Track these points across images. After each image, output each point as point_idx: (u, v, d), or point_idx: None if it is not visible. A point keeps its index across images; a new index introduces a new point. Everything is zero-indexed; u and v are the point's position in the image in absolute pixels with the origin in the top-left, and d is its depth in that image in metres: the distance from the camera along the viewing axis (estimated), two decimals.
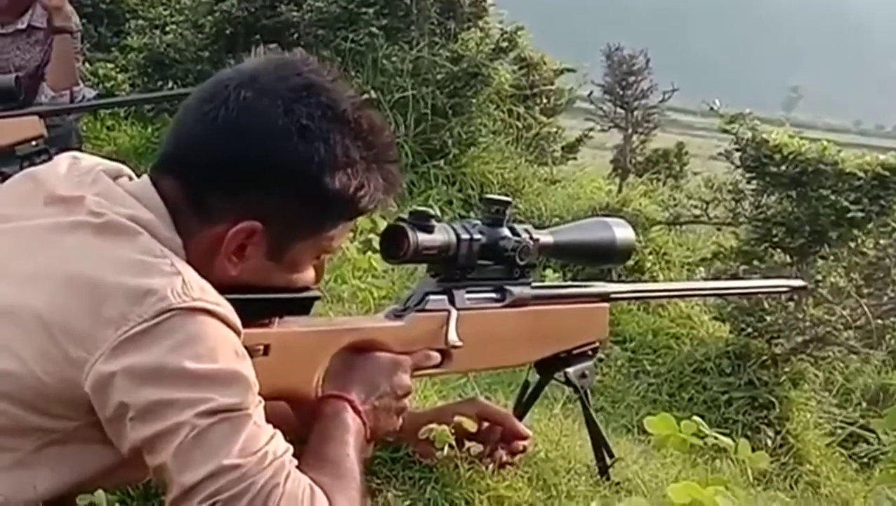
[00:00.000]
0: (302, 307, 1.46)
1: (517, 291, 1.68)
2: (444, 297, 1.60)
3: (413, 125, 5.98)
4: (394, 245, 1.53)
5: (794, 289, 2.52)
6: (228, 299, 1.31)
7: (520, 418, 1.93)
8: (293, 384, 1.44)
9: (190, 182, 1.34)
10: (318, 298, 1.47)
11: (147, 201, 1.32)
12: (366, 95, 5.85)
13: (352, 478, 1.36)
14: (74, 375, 1.21)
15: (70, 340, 1.20)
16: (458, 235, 1.58)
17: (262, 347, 1.38)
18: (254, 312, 1.37)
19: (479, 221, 1.65)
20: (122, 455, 1.26)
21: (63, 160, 1.39)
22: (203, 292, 1.25)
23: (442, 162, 6.03)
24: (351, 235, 3.71)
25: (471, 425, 1.67)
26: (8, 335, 1.23)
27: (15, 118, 3.24)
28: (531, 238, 1.67)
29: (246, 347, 1.31)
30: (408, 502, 1.59)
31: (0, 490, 1.23)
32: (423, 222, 1.53)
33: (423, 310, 1.58)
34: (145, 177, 1.37)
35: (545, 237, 1.72)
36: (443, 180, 5.99)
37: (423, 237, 1.52)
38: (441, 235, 1.56)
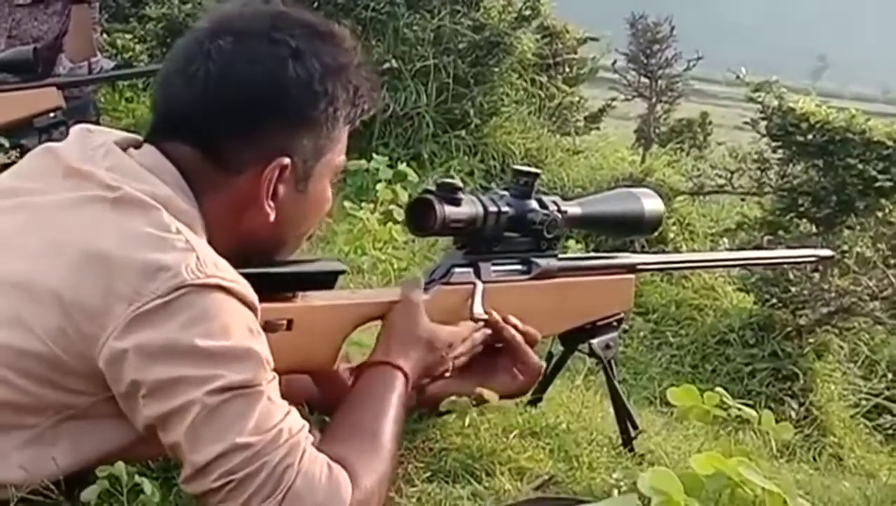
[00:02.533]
0: (326, 281, 1.45)
1: (544, 263, 1.66)
2: (470, 269, 1.59)
3: (434, 95, 5.95)
4: (421, 218, 1.51)
5: (821, 259, 2.46)
6: (252, 274, 1.31)
7: (543, 389, 1.91)
8: (317, 358, 1.43)
9: (202, 140, 1.34)
10: (343, 271, 1.46)
11: (161, 172, 1.31)
12: (387, 64, 5.83)
13: (383, 450, 1.34)
14: (88, 350, 1.20)
15: (84, 315, 1.20)
16: (485, 208, 1.56)
17: (284, 322, 1.37)
18: (277, 287, 1.36)
19: (506, 193, 1.63)
20: (139, 431, 1.25)
21: (76, 134, 1.37)
22: (217, 269, 1.23)
23: (463, 132, 6.01)
24: (371, 206, 3.70)
25: (492, 397, 1.66)
26: (23, 309, 1.22)
27: (33, 90, 3.25)
28: (559, 210, 1.65)
29: (268, 322, 1.30)
30: (428, 474, 1.58)
31: (22, 464, 1.24)
32: (450, 195, 1.51)
33: (449, 283, 1.56)
34: (149, 147, 1.36)
35: (573, 209, 1.70)
36: (464, 151, 5.97)
37: (450, 210, 1.51)
38: (468, 207, 1.54)
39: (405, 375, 1.45)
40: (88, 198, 1.26)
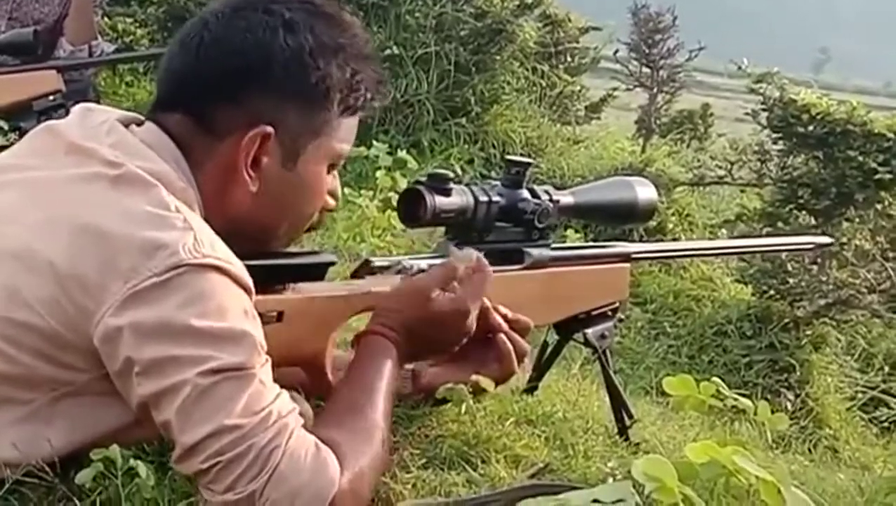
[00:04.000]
0: (316, 273, 1.45)
1: (536, 253, 1.66)
2: None
3: (435, 82, 5.94)
4: (411, 208, 1.51)
5: (818, 246, 2.43)
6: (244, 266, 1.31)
7: (539, 378, 1.91)
8: (307, 350, 1.42)
9: (195, 108, 1.35)
10: (332, 263, 1.45)
11: (160, 149, 1.32)
12: (388, 51, 5.82)
13: (374, 429, 1.33)
14: (84, 325, 1.20)
15: (80, 289, 1.20)
16: (476, 198, 1.55)
17: (275, 314, 1.37)
18: (268, 279, 1.36)
19: (498, 183, 1.63)
20: (133, 410, 1.25)
21: (77, 112, 1.38)
22: (214, 249, 1.23)
23: (464, 120, 6.00)
24: (370, 193, 3.70)
25: (488, 385, 1.66)
26: (19, 280, 1.22)
27: (33, 72, 3.24)
28: (551, 200, 1.65)
29: (259, 314, 1.30)
30: (424, 461, 1.58)
31: (15, 443, 1.24)
32: (440, 185, 1.51)
33: None
34: (150, 124, 1.36)
35: (565, 198, 1.70)
36: (465, 138, 5.96)
37: (440, 200, 1.50)
38: (459, 197, 1.53)
39: (395, 343, 1.44)
40: (90, 175, 1.26)
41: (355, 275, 1.52)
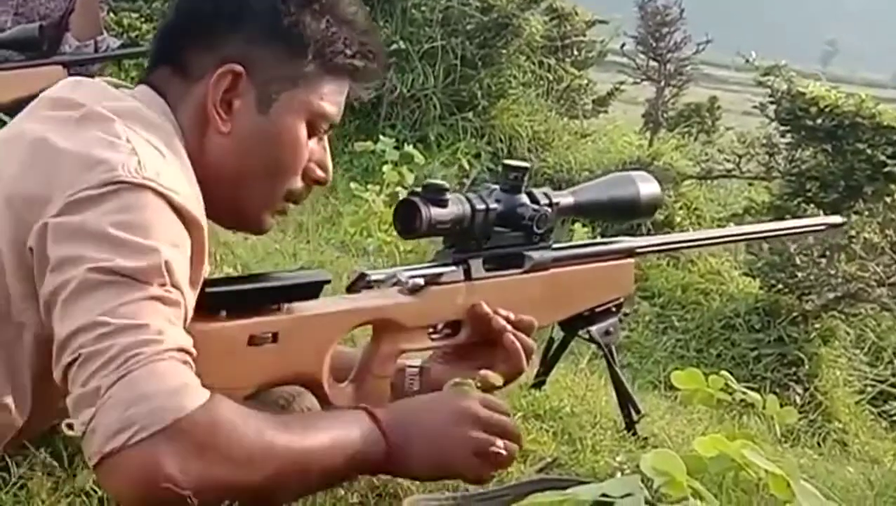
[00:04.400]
0: (310, 292, 1.42)
1: (537, 256, 1.65)
2: (460, 268, 1.58)
3: (442, 76, 5.93)
4: (407, 220, 1.50)
5: (830, 226, 2.36)
6: (235, 290, 1.32)
7: (545, 373, 1.91)
8: (304, 369, 1.41)
9: (172, 54, 1.36)
10: (327, 281, 1.44)
11: (138, 94, 1.34)
12: (394, 45, 5.81)
13: (288, 428, 1.19)
14: (28, 238, 1.18)
15: (27, 207, 1.19)
16: (472, 207, 1.54)
17: (270, 335, 1.35)
18: (261, 300, 1.35)
19: (496, 187, 1.62)
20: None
21: (65, 81, 1.39)
22: (158, 176, 1.20)
23: (471, 114, 5.99)
24: (377, 187, 3.70)
25: (496, 380, 1.66)
26: None
27: (38, 68, 3.24)
28: (550, 203, 1.64)
29: (254, 336, 1.28)
30: None
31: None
32: (435, 196, 1.50)
33: (438, 283, 1.55)
34: (140, 85, 1.38)
35: (565, 199, 1.69)
36: (471, 133, 5.95)
37: (435, 211, 1.49)
38: (455, 207, 1.52)
39: (386, 441, 1.26)
40: (60, 117, 1.27)
41: (351, 289, 1.51)
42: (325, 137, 1.45)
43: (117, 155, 1.19)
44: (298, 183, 1.42)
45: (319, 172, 1.44)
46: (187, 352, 1.15)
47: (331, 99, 1.41)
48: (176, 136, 1.31)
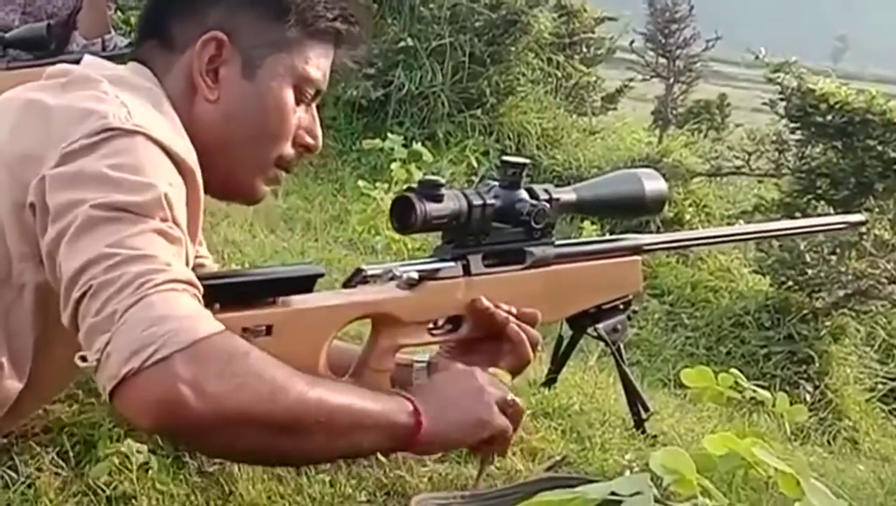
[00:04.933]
0: (304, 285, 1.43)
1: (538, 251, 1.65)
2: (458, 263, 1.57)
3: (450, 74, 5.92)
4: (403, 216, 1.51)
5: (852, 225, 2.31)
6: (230, 283, 1.31)
7: (556, 372, 1.90)
8: (299, 362, 1.40)
9: (156, 27, 1.38)
10: (321, 274, 1.45)
11: (131, 69, 1.36)
12: (402, 43, 5.81)
13: (308, 380, 1.16)
14: (25, 197, 1.19)
15: (24, 165, 1.20)
16: (469, 202, 1.54)
17: (264, 328, 1.35)
18: (255, 293, 1.35)
19: (496, 184, 1.62)
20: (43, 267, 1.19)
21: (61, 66, 1.40)
22: (148, 123, 1.22)
23: (479, 111, 5.97)
24: (385, 185, 3.69)
25: (505, 377, 1.65)
26: None
27: (46, 67, 3.23)
28: (550, 199, 1.64)
29: (248, 329, 1.28)
30: (440, 454, 1.57)
31: None
32: (431, 192, 1.50)
33: (435, 278, 1.55)
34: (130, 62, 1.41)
35: (567, 195, 1.68)
36: (480, 130, 5.94)
37: (431, 207, 1.49)
38: (451, 203, 1.52)
39: (418, 419, 1.24)
40: (49, 84, 1.30)
41: (348, 284, 1.51)
42: (314, 105, 1.47)
43: (107, 106, 1.22)
44: (288, 149, 1.44)
45: (308, 139, 1.46)
46: (196, 287, 1.13)
47: (315, 63, 1.43)
48: (166, 101, 1.33)
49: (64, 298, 1.12)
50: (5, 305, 1.23)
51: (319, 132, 1.48)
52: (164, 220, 1.16)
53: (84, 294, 1.09)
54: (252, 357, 1.11)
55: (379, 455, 1.48)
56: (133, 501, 1.25)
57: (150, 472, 1.27)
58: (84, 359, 1.08)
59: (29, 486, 1.27)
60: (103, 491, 1.26)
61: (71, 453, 1.33)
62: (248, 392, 1.08)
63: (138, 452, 1.27)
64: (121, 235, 1.12)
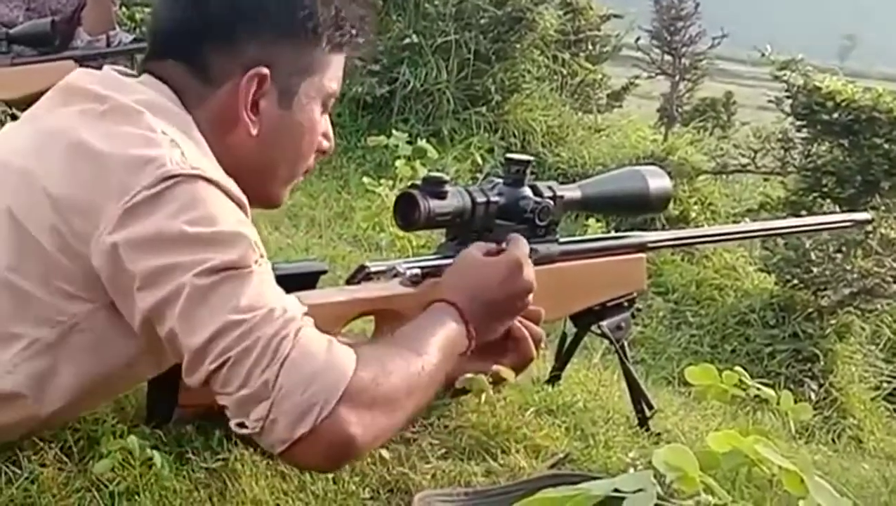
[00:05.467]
0: (307, 282, 1.44)
1: (542, 249, 1.65)
2: None
3: (455, 71, 5.91)
4: (406, 213, 1.51)
5: (859, 223, 2.31)
6: None
7: (560, 369, 1.90)
8: None
9: (187, 55, 1.36)
10: (323, 271, 1.45)
11: (150, 85, 1.34)
12: (407, 40, 5.80)
13: (415, 354, 1.30)
14: (83, 250, 1.20)
15: (75, 213, 1.20)
16: (473, 199, 1.54)
17: None
18: None
19: (500, 181, 1.62)
20: (140, 343, 1.24)
21: (76, 71, 1.40)
22: (202, 164, 1.23)
23: (484, 109, 5.97)
24: (390, 182, 3.69)
25: (509, 374, 1.65)
26: (22, 209, 1.23)
27: (50, 63, 3.24)
28: (554, 196, 1.63)
29: None
30: (443, 451, 1.57)
31: (29, 376, 1.23)
32: (435, 188, 1.50)
33: (438, 275, 1.55)
34: (145, 74, 1.38)
35: (571, 193, 1.68)
36: (485, 127, 5.93)
37: (434, 203, 1.49)
38: (454, 200, 1.52)
39: (458, 308, 1.43)
40: (83, 110, 1.28)
41: (351, 281, 1.51)
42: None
43: (161, 150, 1.21)
44: (312, 158, 1.48)
45: (326, 144, 1.49)
46: (305, 309, 1.23)
47: (336, 76, 1.45)
48: (194, 127, 1.33)
49: (192, 364, 1.18)
50: (48, 344, 1.24)
51: (331, 133, 1.50)
52: (257, 262, 1.21)
53: (223, 365, 1.16)
54: (385, 372, 1.23)
55: (382, 452, 1.48)
56: (136, 496, 1.25)
57: (154, 467, 1.27)
58: (242, 425, 1.17)
59: (32, 481, 1.27)
60: (106, 487, 1.26)
61: (74, 449, 1.33)
62: (393, 409, 1.24)
63: (141, 447, 1.27)
64: (236, 298, 1.16)
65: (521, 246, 1.55)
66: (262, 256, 1.23)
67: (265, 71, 1.35)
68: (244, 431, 1.18)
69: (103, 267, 1.20)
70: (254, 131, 1.37)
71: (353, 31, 1.44)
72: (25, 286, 1.22)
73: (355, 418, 1.18)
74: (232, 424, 1.19)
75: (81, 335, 1.24)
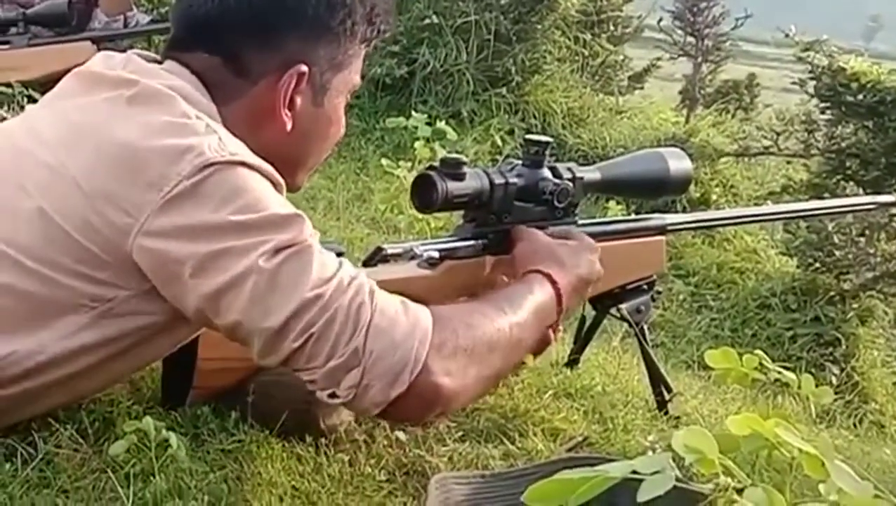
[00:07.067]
0: None
1: (560, 231, 1.63)
2: (479, 242, 1.56)
3: (475, 52, 5.88)
4: (424, 194, 1.49)
5: (882, 205, 2.29)
6: None
7: (579, 352, 1.89)
8: None
9: (223, 48, 1.34)
10: (340, 253, 1.44)
11: (178, 74, 1.33)
12: (427, 20, 5.78)
13: (496, 313, 1.32)
14: (121, 242, 1.19)
15: (110, 206, 1.19)
16: (491, 181, 1.53)
17: None
18: None
19: (518, 162, 1.60)
20: (167, 319, 1.26)
21: (99, 55, 1.39)
22: (240, 149, 1.23)
23: (504, 90, 5.94)
24: (409, 164, 3.68)
25: (528, 358, 1.64)
26: (52, 200, 1.22)
27: (68, 44, 3.25)
28: (574, 178, 1.62)
29: None
30: (461, 433, 1.56)
31: (65, 353, 1.23)
32: (453, 170, 1.49)
33: (455, 258, 1.54)
34: (170, 61, 1.36)
35: (590, 174, 1.66)
36: (505, 109, 5.91)
37: (452, 185, 1.48)
38: (473, 181, 1.51)
39: (552, 280, 1.44)
40: (111, 97, 1.27)
41: (368, 263, 1.50)
42: None
43: (196, 138, 1.20)
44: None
45: (342, 130, 1.50)
46: (359, 270, 1.25)
47: (359, 68, 1.46)
48: (217, 117, 1.31)
49: (269, 347, 1.19)
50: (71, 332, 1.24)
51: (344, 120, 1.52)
52: (311, 235, 1.22)
53: (306, 341, 1.18)
54: (464, 325, 1.27)
55: (399, 435, 1.48)
56: (151, 478, 1.24)
57: (169, 449, 1.27)
58: (333, 396, 1.20)
59: (47, 463, 1.27)
60: (122, 468, 1.26)
61: (90, 430, 1.33)
62: (478, 357, 1.27)
63: (157, 429, 1.27)
64: (306, 274, 1.18)
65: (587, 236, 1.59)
66: (311, 226, 1.24)
67: (304, 69, 1.36)
68: (335, 400, 1.20)
69: (145, 257, 1.19)
70: (289, 127, 1.37)
71: (383, 27, 1.45)
72: (58, 278, 1.21)
73: (444, 368, 1.22)
74: (322, 395, 1.21)
75: (114, 319, 1.25)
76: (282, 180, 1.27)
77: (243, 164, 1.21)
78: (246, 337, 1.20)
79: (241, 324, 1.19)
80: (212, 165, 1.18)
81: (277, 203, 1.22)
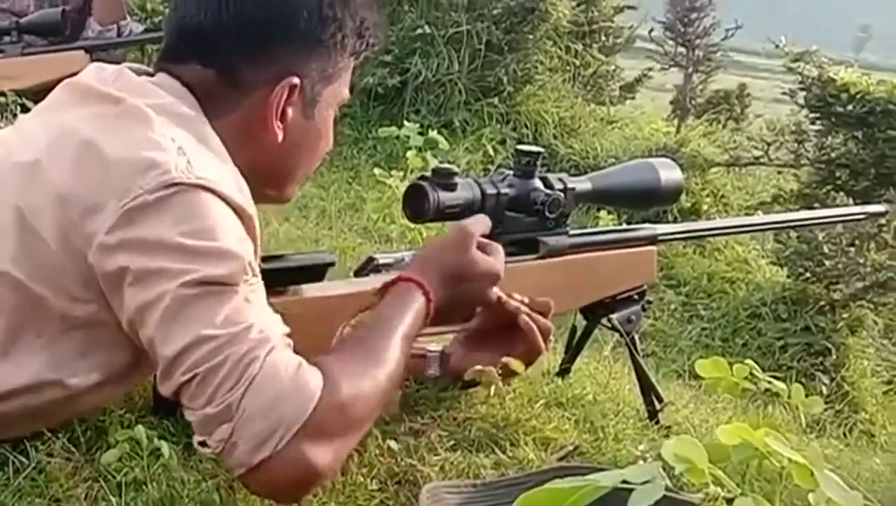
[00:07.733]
0: (316, 274, 1.45)
1: (552, 241, 1.64)
2: None
3: (467, 61, 5.89)
4: (416, 205, 1.50)
5: (872, 215, 2.30)
6: None
7: (570, 361, 1.90)
8: (311, 351, 1.41)
9: (216, 60, 1.36)
10: (332, 263, 1.45)
11: (169, 89, 1.33)
12: (419, 30, 5.79)
13: (376, 358, 1.28)
14: (83, 248, 1.20)
15: (79, 211, 1.20)
16: (483, 191, 1.54)
17: None
18: (267, 282, 1.35)
19: (510, 173, 1.61)
20: (126, 329, 1.24)
21: (91, 67, 1.40)
22: (208, 173, 1.23)
23: (496, 100, 5.95)
24: (401, 173, 3.68)
25: (518, 367, 1.65)
26: (30, 205, 1.23)
27: (61, 53, 3.25)
28: (565, 188, 1.63)
29: None
30: (452, 443, 1.57)
31: (40, 368, 1.24)
32: (444, 180, 1.49)
33: None
34: (162, 74, 1.37)
35: (582, 185, 1.67)
36: (497, 119, 5.91)
37: (444, 196, 1.49)
38: (464, 192, 1.52)
39: (424, 290, 1.40)
40: (98, 112, 1.28)
41: (359, 273, 1.51)
42: None
43: (167, 155, 1.21)
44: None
45: (331, 142, 1.50)
46: (286, 334, 1.22)
47: (348, 81, 1.47)
48: (211, 133, 1.32)
49: (163, 375, 1.18)
50: (51, 336, 1.25)
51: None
52: (246, 281, 1.21)
53: (191, 379, 1.15)
54: (352, 395, 1.20)
55: (391, 444, 1.48)
56: (144, 487, 1.25)
57: (161, 458, 1.27)
58: (203, 444, 1.17)
59: (39, 471, 1.27)
60: (114, 477, 1.26)
61: (82, 439, 1.33)
62: (357, 430, 1.24)
63: (149, 438, 1.27)
64: (216, 313, 1.16)
65: (478, 220, 1.53)
66: (254, 277, 1.23)
67: (296, 81, 1.37)
68: (206, 449, 1.18)
69: (98, 263, 1.20)
70: (279, 139, 1.38)
71: (371, 41, 1.46)
72: (31, 286, 1.22)
73: (316, 447, 1.16)
74: (195, 440, 1.19)
75: (83, 331, 1.25)
76: (251, 210, 1.27)
77: (207, 189, 1.21)
78: (154, 358, 1.20)
79: (152, 343, 1.19)
80: (175, 184, 1.19)
81: (229, 236, 1.21)
